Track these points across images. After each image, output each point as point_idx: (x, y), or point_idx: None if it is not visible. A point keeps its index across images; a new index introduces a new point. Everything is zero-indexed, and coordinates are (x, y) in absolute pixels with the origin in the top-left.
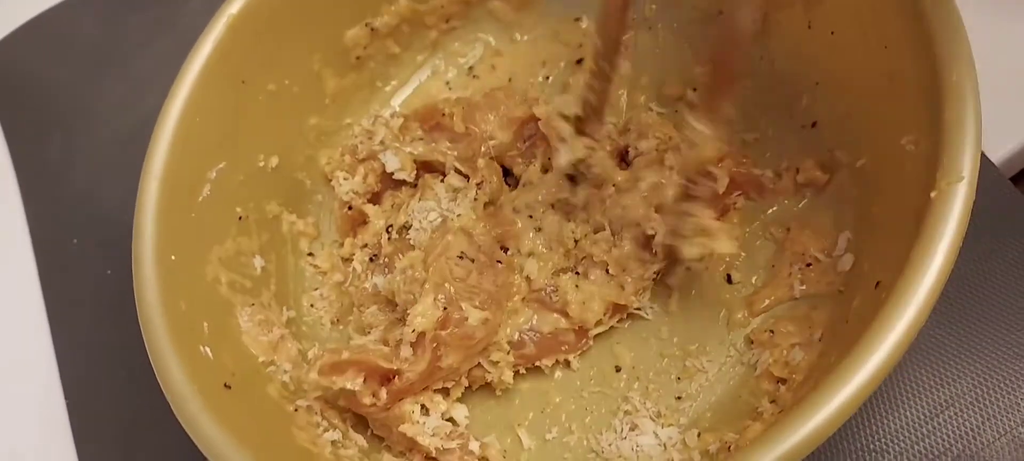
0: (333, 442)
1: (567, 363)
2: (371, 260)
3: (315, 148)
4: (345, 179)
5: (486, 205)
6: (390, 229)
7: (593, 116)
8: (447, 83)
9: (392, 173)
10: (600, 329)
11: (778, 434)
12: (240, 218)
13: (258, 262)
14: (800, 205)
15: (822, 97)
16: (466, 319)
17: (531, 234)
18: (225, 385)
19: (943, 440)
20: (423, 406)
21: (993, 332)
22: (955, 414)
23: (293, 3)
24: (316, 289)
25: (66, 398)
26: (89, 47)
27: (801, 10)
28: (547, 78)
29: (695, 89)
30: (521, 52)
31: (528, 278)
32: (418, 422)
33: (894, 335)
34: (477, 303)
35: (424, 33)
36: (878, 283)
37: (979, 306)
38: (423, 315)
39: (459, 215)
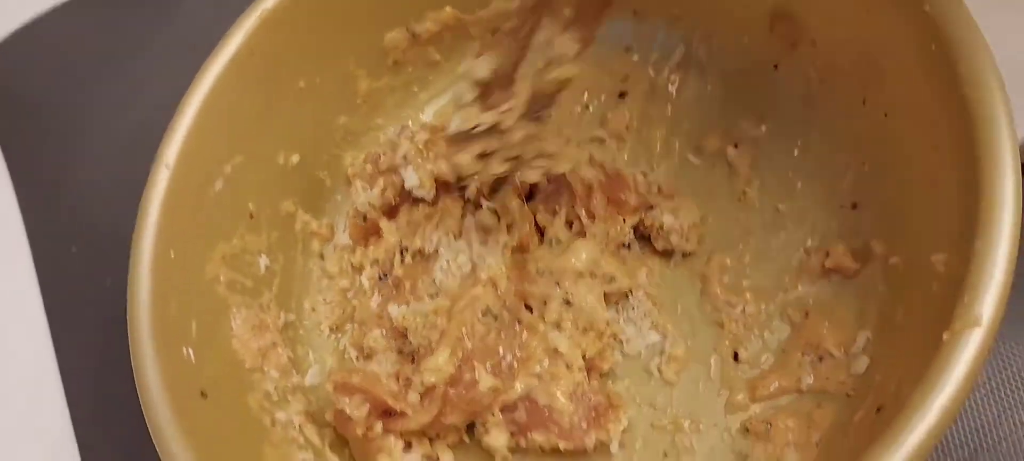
0: None
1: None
2: (381, 278)
3: (341, 148)
4: (363, 190)
5: (513, 251)
6: (404, 252)
7: (503, 82)
8: None
9: (411, 190)
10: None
11: None
12: (251, 215)
13: (263, 261)
14: (823, 292)
15: (867, 179)
16: (477, 383)
17: (557, 305)
18: (202, 393)
19: (959, 434)
20: (408, 442)
21: (1010, 325)
22: (971, 407)
23: (331, 2)
24: (319, 293)
25: (71, 411)
26: (83, 51)
27: (857, 83)
28: (587, 107)
29: (737, 145)
30: None
31: (556, 350)
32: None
33: None
34: (489, 367)
35: (467, 44)
36: (880, 407)
37: None
38: (438, 370)
39: (489, 264)
